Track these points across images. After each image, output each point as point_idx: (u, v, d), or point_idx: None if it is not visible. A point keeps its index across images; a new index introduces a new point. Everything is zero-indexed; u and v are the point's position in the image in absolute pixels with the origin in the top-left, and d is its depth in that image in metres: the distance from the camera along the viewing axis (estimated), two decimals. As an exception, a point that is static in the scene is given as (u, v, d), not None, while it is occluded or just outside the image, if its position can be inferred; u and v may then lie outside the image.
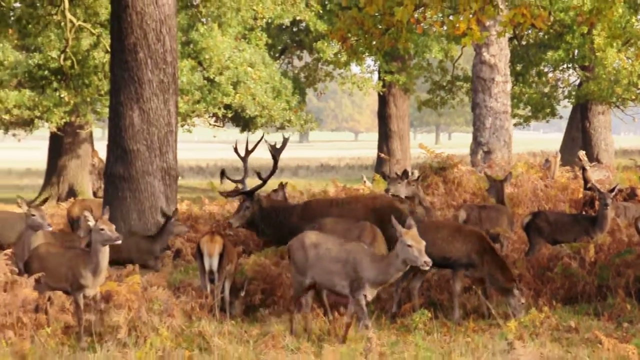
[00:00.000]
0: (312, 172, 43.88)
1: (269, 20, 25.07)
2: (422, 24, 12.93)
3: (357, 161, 51.23)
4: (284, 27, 29.71)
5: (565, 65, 30.05)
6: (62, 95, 22.08)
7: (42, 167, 30.80)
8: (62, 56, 20.74)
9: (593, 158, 26.52)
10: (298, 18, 26.02)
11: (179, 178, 13.31)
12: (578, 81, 30.31)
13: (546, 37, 28.94)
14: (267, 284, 10.39)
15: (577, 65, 29.39)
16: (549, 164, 17.55)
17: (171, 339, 8.36)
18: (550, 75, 30.85)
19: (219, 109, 23.85)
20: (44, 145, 27.90)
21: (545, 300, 10.07)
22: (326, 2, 26.62)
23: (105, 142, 12.79)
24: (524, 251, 11.72)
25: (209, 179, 34.23)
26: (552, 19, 25.87)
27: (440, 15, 17.20)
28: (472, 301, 10.21)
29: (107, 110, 15.06)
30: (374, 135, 44.06)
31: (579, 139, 30.91)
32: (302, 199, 15.77)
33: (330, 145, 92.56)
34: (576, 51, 28.20)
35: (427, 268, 8.09)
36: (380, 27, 13.50)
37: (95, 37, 21.16)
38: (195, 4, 24.02)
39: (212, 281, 9.67)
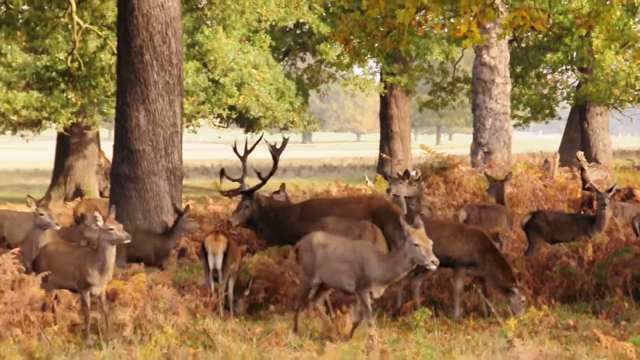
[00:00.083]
0: (315, 172, 43.89)
1: (273, 23, 25.15)
2: (423, 27, 12.96)
3: (359, 161, 51.21)
4: (287, 29, 29.79)
5: (564, 67, 30.14)
6: (69, 97, 22.22)
7: (49, 167, 30.92)
8: (70, 58, 20.83)
9: (591, 158, 26.55)
10: (301, 20, 26.10)
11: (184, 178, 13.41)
12: (577, 83, 30.37)
13: (545, 39, 29.00)
14: (270, 282, 10.46)
15: (575, 67, 29.48)
16: (548, 165, 17.61)
17: (176, 336, 8.41)
18: (549, 77, 30.96)
19: (224, 110, 23.98)
20: (52, 145, 28.02)
21: (544, 298, 10.14)
22: (329, 5, 26.67)
23: (112, 143, 12.83)
24: (523, 250, 11.78)
25: (213, 179, 34.21)
26: (551, 21, 25.95)
27: (441, 17, 17.28)
28: (472, 299, 10.28)
29: (113, 111, 15.20)
30: (376, 136, 44.05)
31: (578, 139, 30.98)
32: (305, 198, 15.84)
33: (333, 145, 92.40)
34: (575, 53, 28.28)
35: (434, 268, 8.11)
36: (382, 29, 13.56)
37: (102, 39, 21.24)
38: (200, 6, 24.11)
39: (216, 280, 9.74)
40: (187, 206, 12.27)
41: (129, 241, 8.73)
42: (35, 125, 23.99)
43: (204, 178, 39.32)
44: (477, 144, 20.72)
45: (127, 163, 12.45)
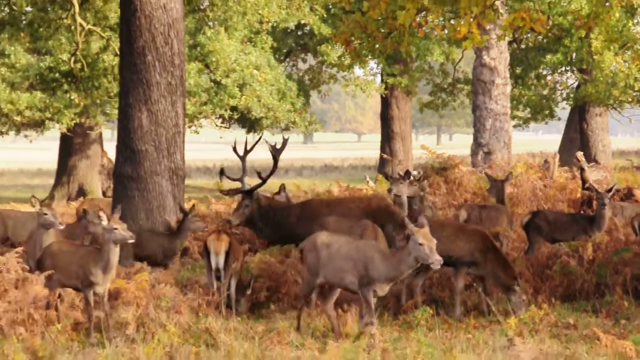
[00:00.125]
0: (316, 173, 43.89)
1: (275, 24, 25.20)
2: (424, 28, 12.99)
3: (360, 162, 51.20)
4: (289, 30, 29.85)
5: (563, 68, 30.21)
6: (72, 97, 22.28)
7: (52, 167, 30.95)
8: (73, 59, 20.90)
9: (591, 159, 26.57)
10: (303, 22, 26.14)
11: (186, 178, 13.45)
12: (576, 84, 30.42)
13: (545, 40, 29.05)
14: (272, 281, 10.49)
15: (575, 68, 29.53)
16: (547, 165, 17.62)
17: (178, 335, 8.42)
18: (549, 77, 31.02)
19: (226, 110, 24.03)
20: (55, 146, 28.12)
21: (545, 297, 10.18)
22: (330, 6, 26.72)
23: (115, 143, 12.86)
24: (523, 250, 11.80)
25: (215, 179, 34.23)
26: (550, 22, 26.00)
27: (442, 19, 17.28)
28: (472, 298, 10.31)
29: (116, 111, 15.19)
30: (377, 137, 44.01)
31: (577, 140, 31.03)
32: (307, 198, 15.89)
33: (334, 146, 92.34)
34: (574, 54, 28.35)
35: (438, 267, 8.14)
36: (383, 30, 13.59)
37: (105, 40, 21.30)
38: (202, 8, 24.18)
39: (218, 279, 9.76)
40: (193, 206, 12.32)
41: (132, 241, 8.77)
42: (38, 125, 24.08)
43: (206, 178, 39.34)
44: (477, 145, 20.77)
45: (129, 163, 12.47)
